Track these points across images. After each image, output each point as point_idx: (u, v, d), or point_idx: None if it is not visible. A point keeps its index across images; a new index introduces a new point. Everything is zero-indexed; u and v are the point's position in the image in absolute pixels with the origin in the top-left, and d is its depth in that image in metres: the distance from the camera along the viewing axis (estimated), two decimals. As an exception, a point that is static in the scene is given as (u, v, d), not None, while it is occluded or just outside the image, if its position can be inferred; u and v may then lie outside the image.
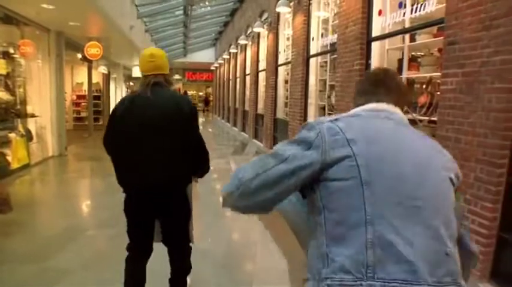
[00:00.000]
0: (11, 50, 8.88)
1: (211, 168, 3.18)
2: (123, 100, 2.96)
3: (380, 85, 1.46)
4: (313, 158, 1.22)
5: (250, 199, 1.27)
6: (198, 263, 4.24)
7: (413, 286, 1.10)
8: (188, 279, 3.37)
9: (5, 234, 5.02)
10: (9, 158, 8.03)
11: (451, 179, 1.33)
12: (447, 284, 1.16)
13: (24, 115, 9.20)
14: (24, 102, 9.29)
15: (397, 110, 1.42)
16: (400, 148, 1.27)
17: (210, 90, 38.97)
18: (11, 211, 5.00)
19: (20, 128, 8.89)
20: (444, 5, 4.31)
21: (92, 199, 7.15)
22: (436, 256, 1.16)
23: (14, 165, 8.23)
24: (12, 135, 8.48)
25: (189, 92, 36.21)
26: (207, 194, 6.81)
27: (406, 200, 1.19)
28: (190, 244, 3.14)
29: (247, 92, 15.92)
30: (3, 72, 8.70)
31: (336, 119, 1.30)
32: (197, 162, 2.96)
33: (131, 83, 31.08)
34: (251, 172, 1.25)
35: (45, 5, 7.75)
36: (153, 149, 2.74)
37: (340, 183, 1.20)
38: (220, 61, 24.92)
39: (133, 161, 2.79)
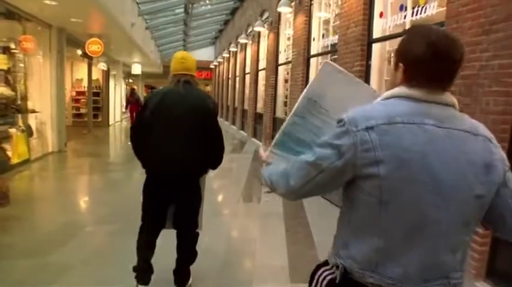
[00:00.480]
0: (13, 46, 8.92)
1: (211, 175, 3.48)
2: (155, 93, 3.34)
3: (437, 66, 1.31)
4: (346, 170, 1.31)
5: (298, 197, 1.53)
6: (198, 260, 4.32)
7: (402, 284, 1.30)
8: (190, 279, 3.56)
9: (4, 229, 5.06)
10: (9, 153, 8.07)
11: (480, 196, 1.31)
12: (436, 279, 1.33)
13: (24, 111, 9.24)
14: (25, 98, 9.32)
15: (445, 98, 1.33)
16: (425, 174, 1.26)
17: (208, 88, 38.96)
18: (9, 205, 5.04)
19: (21, 123, 8.92)
20: (445, 8, 4.39)
21: (91, 195, 7.19)
22: (429, 266, 1.31)
23: (14, 160, 8.27)
24: (12, 130, 8.52)
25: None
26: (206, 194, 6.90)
27: (414, 223, 1.28)
28: (198, 231, 3.49)
29: (247, 91, 15.97)
30: (5, 67, 8.74)
31: (372, 128, 1.27)
32: (214, 154, 3.33)
33: (130, 80, 31.09)
34: (299, 182, 1.40)
35: (48, 1, 7.78)
36: (181, 139, 3.14)
37: (364, 196, 1.32)
38: (219, 59, 24.94)
39: (163, 148, 3.15)
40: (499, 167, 1.33)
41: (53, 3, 7.89)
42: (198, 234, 3.51)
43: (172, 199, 3.34)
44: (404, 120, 1.27)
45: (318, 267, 1.54)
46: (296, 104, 1.58)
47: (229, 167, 9.16)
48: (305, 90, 1.60)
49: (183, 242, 3.45)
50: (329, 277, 1.44)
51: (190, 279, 3.59)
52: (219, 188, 7.67)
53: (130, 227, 5.15)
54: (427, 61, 1.29)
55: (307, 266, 4.15)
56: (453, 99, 1.34)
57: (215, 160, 3.38)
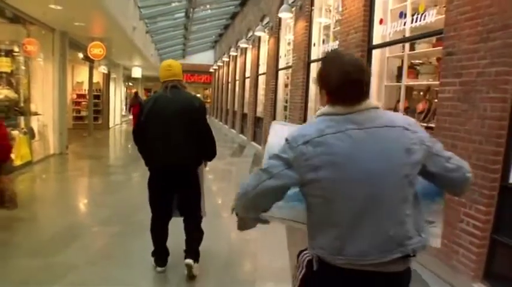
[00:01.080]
0: (16, 49, 9.01)
1: (207, 169, 3.95)
2: (148, 100, 3.89)
3: (348, 87, 1.67)
4: (293, 177, 1.64)
5: (252, 202, 1.75)
6: (200, 261, 4.40)
7: (363, 259, 1.60)
8: (197, 268, 3.92)
9: (10, 229, 5.14)
10: (12, 155, 8.12)
11: (417, 163, 1.66)
12: (394, 247, 1.61)
13: (27, 113, 9.32)
14: (27, 100, 9.42)
15: (362, 107, 1.66)
16: (360, 163, 1.59)
17: (208, 92, 39.00)
18: (16, 208, 5.08)
19: (23, 125, 9.00)
20: (443, 16, 4.48)
21: (93, 197, 7.26)
22: (382, 241, 1.60)
23: (17, 162, 8.33)
24: (15, 132, 8.58)
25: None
26: (206, 194, 6.99)
27: (360, 211, 1.60)
28: (202, 214, 4.01)
29: (247, 95, 16.04)
30: (8, 70, 8.83)
31: (308, 142, 1.61)
32: (206, 147, 3.81)
33: (130, 84, 31.16)
34: (251, 184, 1.70)
35: (52, 6, 7.88)
36: (174, 136, 3.62)
37: (313, 199, 1.67)
38: (219, 63, 25.02)
39: (159, 145, 3.65)
40: (417, 149, 1.65)
41: (58, 7, 7.99)
42: (201, 217, 4.03)
43: (174, 190, 3.84)
44: (331, 131, 1.61)
45: (301, 251, 1.88)
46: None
47: (228, 170, 9.25)
48: (265, 151, 1.95)
49: (190, 225, 3.94)
50: (308, 258, 1.77)
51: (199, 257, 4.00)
52: (219, 191, 7.75)
53: (132, 229, 5.28)
54: (343, 87, 1.64)
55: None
56: (373, 103, 1.68)
57: (208, 152, 3.87)
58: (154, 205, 3.92)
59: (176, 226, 4.05)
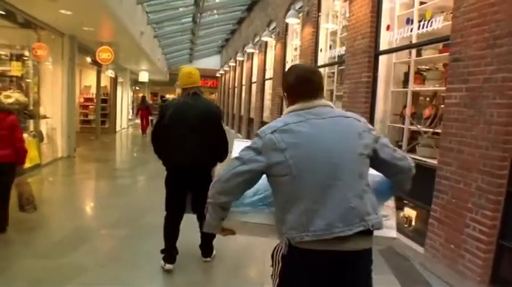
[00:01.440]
0: (27, 53, 9.13)
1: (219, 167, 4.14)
2: (170, 105, 4.20)
3: (301, 85, 2.05)
4: (261, 161, 1.89)
5: (224, 186, 1.93)
6: (209, 264, 4.45)
7: (329, 233, 1.78)
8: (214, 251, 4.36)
9: (21, 231, 5.19)
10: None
11: (366, 146, 1.95)
12: (356, 221, 1.81)
13: (36, 116, 9.41)
14: (37, 104, 9.53)
15: (318, 102, 2.01)
16: (320, 144, 1.88)
17: (214, 96, 39.14)
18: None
19: (32, 128, 9.09)
20: (450, 22, 4.52)
21: (100, 200, 7.32)
22: (346, 210, 1.81)
23: (26, 165, 8.40)
24: (25, 135, 8.63)
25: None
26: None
27: (323, 184, 1.83)
28: None
29: (253, 100, 16.08)
30: (18, 74, 8.94)
31: (275, 131, 1.91)
32: (220, 148, 4.05)
33: (137, 88, 31.34)
34: (225, 171, 1.94)
35: (63, 11, 8.00)
36: (192, 138, 3.94)
37: (280, 178, 1.88)
38: (226, 68, 25.11)
39: (179, 146, 3.96)
40: (367, 135, 1.97)
41: (68, 12, 8.10)
42: None
43: (189, 188, 4.12)
44: (294, 121, 1.92)
45: (273, 250, 2.02)
46: None
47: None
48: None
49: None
50: (281, 253, 1.91)
51: (214, 251, 4.40)
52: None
53: (140, 231, 5.34)
54: (298, 85, 2.03)
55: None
56: (327, 102, 2.03)
57: (221, 154, 4.08)
58: (169, 202, 4.19)
59: (186, 228, 4.10)
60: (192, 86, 4.09)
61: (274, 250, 2.02)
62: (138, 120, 25.61)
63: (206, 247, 4.34)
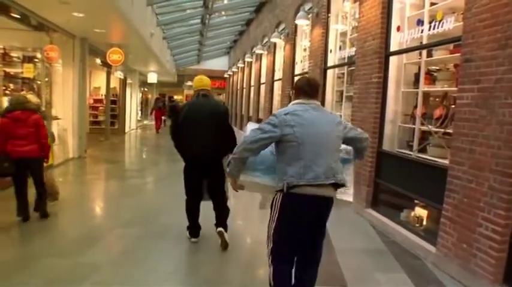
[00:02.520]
0: (39, 55, 9.25)
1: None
2: (184, 105, 5.01)
3: (310, 90, 3.21)
4: (277, 132, 2.98)
5: (249, 146, 3.02)
6: (222, 261, 4.50)
7: (316, 181, 2.91)
8: (227, 236, 4.83)
9: (37, 231, 5.30)
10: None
11: (341, 131, 3.16)
12: (331, 176, 2.95)
13: (48, 117, 9.50)
14: (49, 105, 9.63)
15: (315, 101, 3.19)
16: (316, 126, 3.02)
17: (221, 97, 39.22)
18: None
19: (45, 129, 9.18)
20: (461, 23, 4.54)
21: (113, 200, 7.40)
22: (327, 169, 2.95)
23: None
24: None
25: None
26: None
27: (317, 150, 2.96)
28: (227, 196, 5.00)
29: (262, 101, 16.12)
30: (31, 76, 9.06)
31: (287, 113, 3.03)
32: (228, 141, 4.61)
33: (145, 89, 31.49)
34: (250, 136, 3.03)
35: (75, 13, 8.11)
36: (204, 133, 4.63)
37: (289, 143, 2.97)
38: (234, 69, 25.16)
39: (193, 141, 4.67)
40: (341, 125, 3.21)
41: (80, 15, 8.21)
42: (227, 198, 5.05)
43: (204, 176, 4.85)
44: (300, 109, 3.07)
45: (272, 201, 3.15)
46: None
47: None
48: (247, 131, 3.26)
49: (218, 203, 4.93)
50: (281, 194, 3.03)
51: (228, 229, 4.94)
52: (236, 195, 7.85)
53: (153, 231, 5.43)
54: (304, 87, 3.21)
55: (328, 269, 4.33)
56: (318, 102, 3.20)
57: (230, 147, 4.36)
58: (188, 188, 4.94)
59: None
60: (202, 88, 4.87)
61: (272, 201, 3.14)
62: (146, 121, 25.81)
63: (220, 221, 4.91)
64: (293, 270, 3.19)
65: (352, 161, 3.52)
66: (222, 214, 4.90)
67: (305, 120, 3.00)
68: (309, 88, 3.20)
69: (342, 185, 3.05)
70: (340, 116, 8.35)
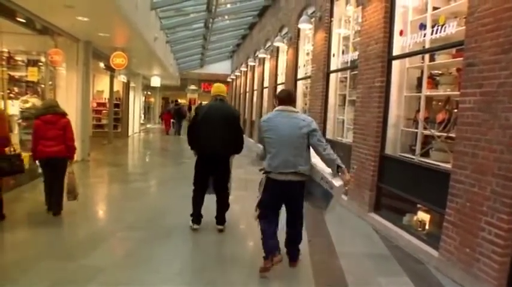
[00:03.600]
0: (43, 59, 9.30)
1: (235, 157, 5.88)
2: (203, 107, 5.72)
3: (284, 98, 4.35)
4: (261, 135, 4.33)
5: (260, 154, 4.55)
6: (227, 266, 4.50)
7: (277, 170, 4.13)
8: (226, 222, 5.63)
9: (40, 233, 5.32)
10: (37, 161, 8.33)
11: (303, 134, 4.11)
12: (290, 166, 4.10)
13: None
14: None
15: (290, 107, 4.28)
16: (279, 130, 4.15)
17: (224, 101, 39.28)
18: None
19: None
20: (464, 27, 4.55)
21: (117, 203, 7.42)
22: (286, 161, 4.10)
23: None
24: (41, 140, 8.82)
25: (204, 103, 36.96)
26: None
27: (278, 148, 4.12)
28: (229, 191, 5.71)
29: (265, 105, 16.14)
30: (35, 79, 9.12)
31: (264, 121, 4.31)
32: (237, 143, 5.56)
33: (149, 93, 31.57)
34: (259, 151, 4.64)
35: (80, 18, 8.16)
36: (217, 133, 5.35)
37: (266, 140, 4.24)
38: (236, 73, 25.20)
39: (207, 139, 5.39)
40: (304, 128, 4.12)
41: (85, 19, 8.26)
42: (228, 194, 5.70)
43: (212, 172, 5.56)
44: (274, 116, 4.28)
45: (260, 181, 4.38)
46: None
47: (247, 179, 9.32)
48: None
49: (220, 198, 5.63)
50: (265, 181, 4.28)
51: (226, 222, 5.66)
52: (239, 199, 7.86)
53: (156, 234, 5.44)
54: (280, 97, 4.40)
55: (331, 273, 4.33)
56: (291, 108, 4.28)
57: (238, 147, 5.61)
58: (196, 180, 5.63)
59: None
60: (219, 94, 5.65)
61: (261, 180, 4.40)
62: (149, 125, 25.95)
63: (220, 217, 5.63)
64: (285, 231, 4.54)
65: (335, 193, 4.21)
66: (222, 209, 5.64)
67: (273, 125, 4.22)
68: (285, 98, 4.35)
69: (303, 174, 4.17)
70: (331, 118, 8.39)
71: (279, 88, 13.97)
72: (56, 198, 5.97)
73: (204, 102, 7.30)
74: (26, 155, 6.63)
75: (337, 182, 4.11)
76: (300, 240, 4.58)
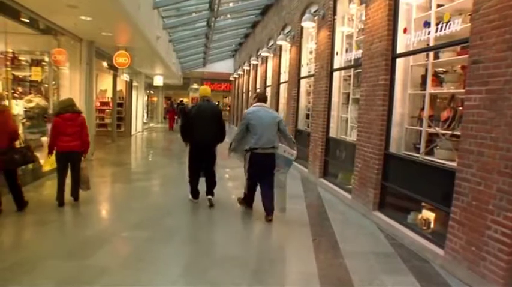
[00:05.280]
0: (46, 59, 9.31)
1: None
2: (194, 106, 7.19)
3: (261, 97, 6.61)
4: (245, 123, 6.30)
5: (238, 133, 6.48)
6: (230, 268, 4.49)
7: (262, 146, 6.14)
8: (213, 200, 6.87)
9: (44, 232, 5.33)
10: (41, 161, 8.36)
11: (276, 122, 6.27)
12: (269, 145, 6.16)
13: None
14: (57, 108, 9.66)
15: (265, 104, 6.53)
16: (262, 119, 6.17)
17: (227, 100, 39.31)
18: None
19: (52, 132, 9.25)
20: (469, 24, 4.52)
21: (121, 203, 7.41)
22: (269, 140, 6.16)
23: (46, 168, 8.58)
24: (44, 139, 8.85)
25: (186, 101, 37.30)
26: (232, 202, 7.12)
27: (262, 131, 6.14)
28: (214, 170, 7.07)
29: (268, 104, 16.08)
30: (39, 79, 9.12)
31: (249, 113, 6.32)
32: (221, 134, 6.97)
33: (151, 92, 31.59)
34: (238, 129, 6.60)
35: (83, 17, 8.16)
36: (206, 127, 6.75)
37: (251, 126, 6.21)
38: (239, 72, 25.18)
39: (198, 131, 6.74)
40: (277, 118, 6.35)
41: (88, 18, 8.26)
42: (215, 173, 7.05)
43: (202, 157, 6.93)
44: (256, 110, 6.32)
45: (245, 157, 6.37)
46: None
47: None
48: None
49: (209, 178, 7.00)
50: (249, 153, 6.22)
51: (214, 196, 6.95)
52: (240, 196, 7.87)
53: (161, 234, 5.44)
54: (258, 97, 6.64)
55: (335, 272, 4.32)
56: (267, 105, 6.63)
57: (222, 138, 7.00)
58: (191, 166, 7.02)
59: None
60: (206, 95, 7.08)
61: (245, 157, 6.30)
62: (152, 124, 26.14)
63: (209, 192, 6.96)
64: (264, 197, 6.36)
65: (293, 159, 6.49)
66: (211, 185, 7.00)
67: (257, 116, 6.19)
68: (263, 98, 6.62)
69: (276, 148, 6.24)
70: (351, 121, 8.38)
71: (282, 87, 14.01)
72: (74, 186, 6.73)
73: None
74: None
75: (294, 152, 6.41)
76: (272, 196, 6.30)
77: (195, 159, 6.93)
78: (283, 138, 6.36)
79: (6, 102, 7.58)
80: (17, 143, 6.14)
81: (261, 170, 6.22)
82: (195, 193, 7.01)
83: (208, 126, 6.71)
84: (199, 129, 6.68)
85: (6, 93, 7.71)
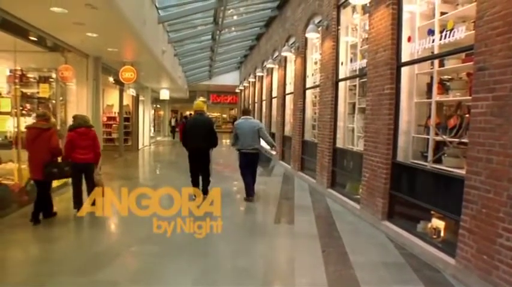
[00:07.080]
0: (54, 75, 9.41)
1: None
2: (190, 119, 9.48)
3: (245, 112, 9.06)
4: (235, 131, 8.60)
5: (233, 139, 8.74)
6: (239, 281, 4.45)
7: (246, 148, 8.37)
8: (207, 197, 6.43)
9: (53, 248, 5.35)
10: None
11: (256, 129, 8.36)
12: (250, 147, 8.33)
13: (63, 136, 9.61)
14: (64, 124, 9.75)
15: (248, 116, 8.76)
16: (245, 128, 8.35)
17: (233, 112, 39.45)
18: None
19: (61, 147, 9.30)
20: (473, 31, 4.52)
21: (129, 217, 7.39)
22: (249, 143, 8.33)
23: (56, 183, 8.61)
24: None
25: (213, 114, 37.54)
26: (242, 213, 7.08)
27: (245, 137, 8.33)
28: (210, 171, 8.63)
29: (274, 115, 16.15)
30: (46, 95, 9.21)
31: (236, 123, 8.66)
32: (213, 141, 8.52)
33: (158, 106, 31.77)
34: (232, 136, 8.86)
35: (89, 34, 8.28)
36: (200, 135, 8.31)
37: (238, 134, 8.40)
38: (245, 84, 25.27)
39: (194, 139, 8.33)
40: (257, 126, 8.45)
41: (94, 35, 8.37)
42: (210, 174, 8.52)
43: (198, 160, 8.33)
44: (241, 121, 8.56)
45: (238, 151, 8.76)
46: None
47: (262, 189, 9.34)
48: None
49: (204, 178, 8.39)
50: (238, 152, 8.61)
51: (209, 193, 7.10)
52: (252, 210, 7.85)
53: (170, 249, 5.39)
54: (243, 111, 9.45)
55: (346, 284, 4.27)
56: (250, 117, 8.88)
57: (214, 144, 8.55)
58: (191, 167, 8.43)
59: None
60: (200, 109, 8.77)
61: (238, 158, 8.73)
62: (159, 138, 26.49)
63: (205, 189, 8.06)
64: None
65: (273, 158, 9.77)
66: (205, 184, 8.30)
67: (241, 126, 8.30)
68: (247, 112, 8.88)
69: (257, 148, 8.29)
70: (347, 126, 8.40)
71: (288, 98, 14.08)
72: (90, 194, 6.92)
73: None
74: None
75: (273, 152, 8.74)
76: (254, 182, 8.58)
77: (192, 161, 8.48)
78: (264, 141, 8.46)
79: (15, 121, 7.80)
80: (59, 159, 6.80)
81: (246, 163, 8.42)
82: (194, 184, 8.42)
83: (201, 135, 8.26)
84: (193, 137, 8.31)
85: (15, 110, 7.82)
